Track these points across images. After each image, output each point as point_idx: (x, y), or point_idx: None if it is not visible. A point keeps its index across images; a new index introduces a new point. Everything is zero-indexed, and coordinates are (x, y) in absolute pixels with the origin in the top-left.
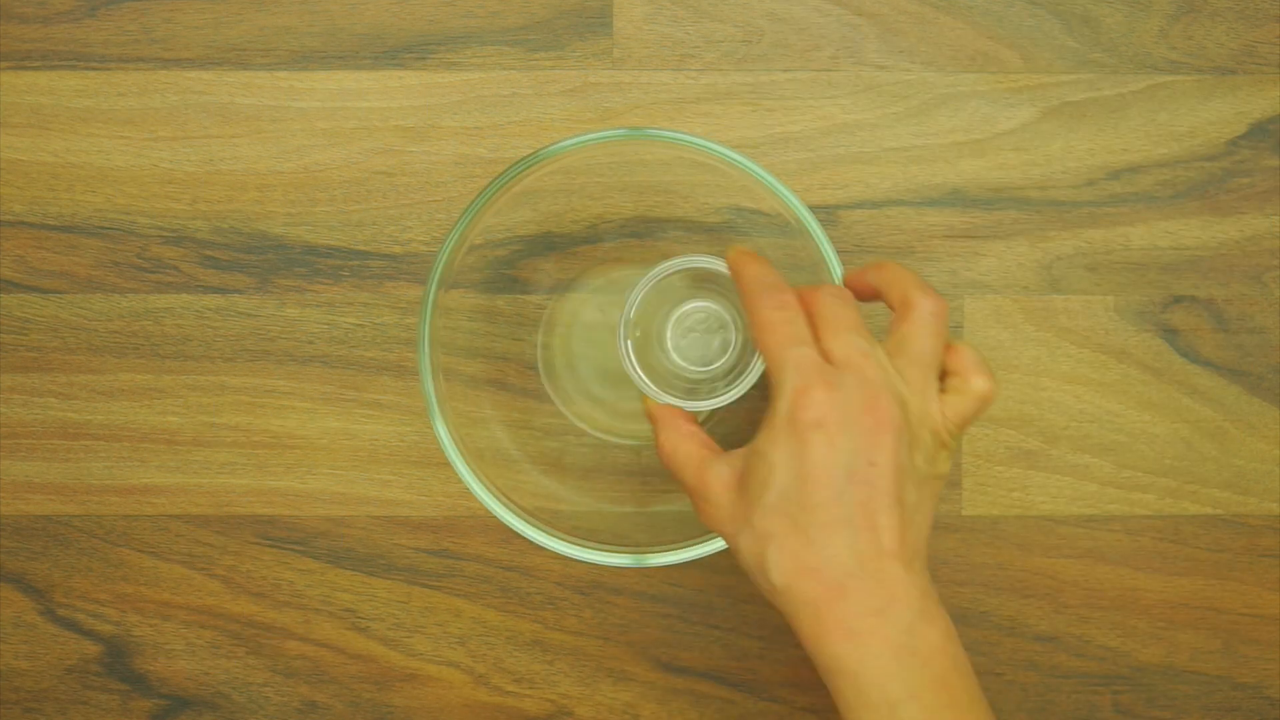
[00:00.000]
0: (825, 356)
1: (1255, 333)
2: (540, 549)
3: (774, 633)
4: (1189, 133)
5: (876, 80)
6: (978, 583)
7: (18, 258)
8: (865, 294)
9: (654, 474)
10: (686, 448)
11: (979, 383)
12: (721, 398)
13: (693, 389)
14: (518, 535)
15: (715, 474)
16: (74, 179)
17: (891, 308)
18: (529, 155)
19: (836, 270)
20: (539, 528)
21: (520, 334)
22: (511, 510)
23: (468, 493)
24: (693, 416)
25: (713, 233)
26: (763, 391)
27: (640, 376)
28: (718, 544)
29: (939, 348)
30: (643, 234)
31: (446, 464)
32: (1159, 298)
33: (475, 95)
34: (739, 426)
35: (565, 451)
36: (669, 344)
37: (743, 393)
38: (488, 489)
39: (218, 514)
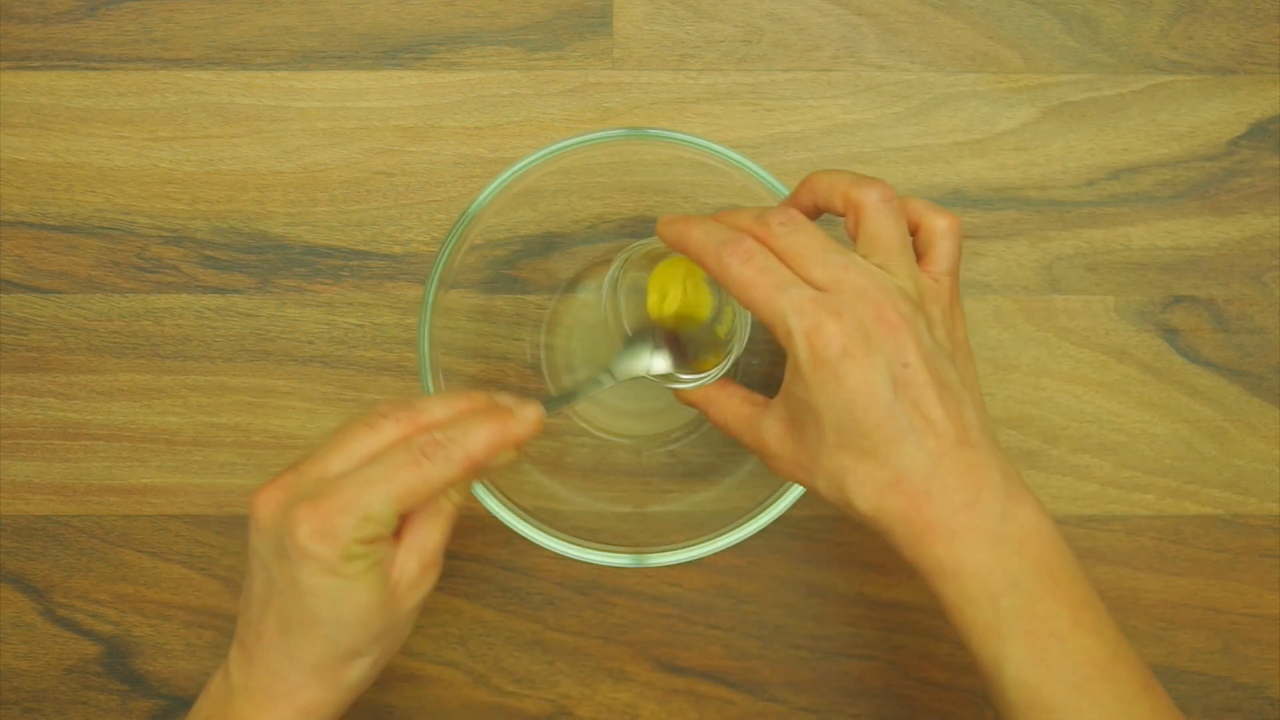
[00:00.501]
0: (810, 283)
1: (1255, 333)
2: (540, 549)
3: (774, 633)
4: (1189, 133)
5: (876, 80)
6: None
7: (18, 258)
8: (809, 214)
9: (654, 474)
10: (736, 409)
11: (939, 222)
12: (726, 361)
13: (695, 357)
14: (518, 535)
15: (767, 429)
16: (74, 179)
17: (839, 213)
18: (529, 155)
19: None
20: (539, 528)
21: (520, 334)
22: (511, 510)
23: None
24: (726, 381)
25: None
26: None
27: (657, 373)
28: (718, 544)
29: (902, 227)
30: (643, 234)
31: None
32: (1159, 298)
33: (475, 95)
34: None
35: (565, 451)
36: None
37: (743, 347)
38: (488, 489)
39: (218, 514)
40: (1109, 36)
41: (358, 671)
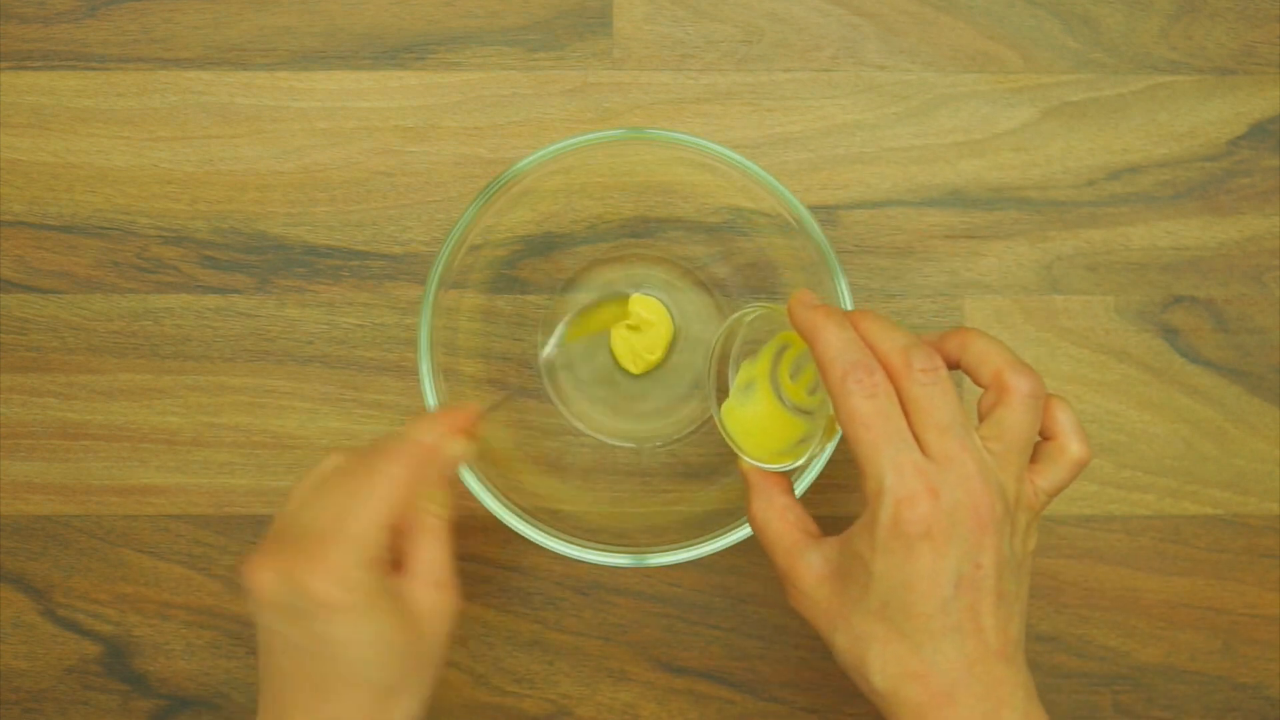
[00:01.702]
0: (921, 447)
1: (1255, 333)
2: (540, 549)
3: (774, 633)
4: (1189, 133)
5: (876, 80)
6: None
7: (18, 258)
8: (949, 364)
9: (654, 474)
10: (778, 526)
11: (1076, 449)
12: (807, 458)
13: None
14: (518, 535)
15: (808, 564)
16: (74, 179)
17: (979, 384)
18: (529, 155)
19: (837, 271)
20: (539, 528)
21: (520, 334)
22: (511, 510)
23: (468, 493)
24: (788, 484)
25: (713, 233)
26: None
27: (732, 439)
28: (718, 544)
29: (1035, 429)
30: (643, 234)
31: None
32: (1159, 298)
33: (475, 95)
34: None
35: (565, 451)
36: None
37: (821, 458)
38: (488, 489)
39: (218, 514)
40: (1109, 36)
41: (402, 714)
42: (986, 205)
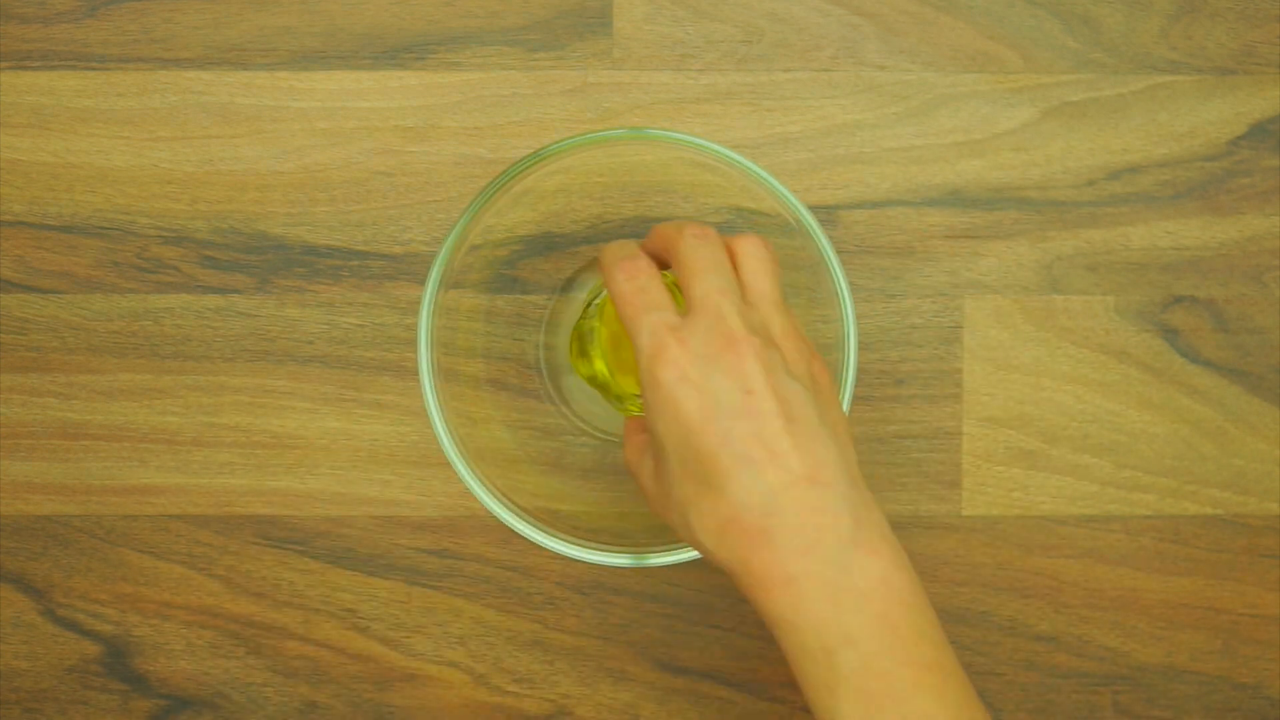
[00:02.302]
0: (688, 304)
1: (1255, 333)
2: (540, 549)
3: None
4: (1189, 133)
5: (876, 80)
6: (978, 583)
7: (18, 258)
8: (662, 266)
9: None
10: (630, 455)
11: (744, 246)
12: None
13: None
14: (518, 535)
15: (644, 467)
16: (74, 179)
17: (671, 263)
18: (529, 155)
19: (837, 271)
20: (539, 528)
21: (520, 334)
22: (511, 510)
23: (468, 493)
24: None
25: None
26: None
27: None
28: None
29: (775, 281)
30: (643, 234)
31: (446, 464)
32: (1159, 298)
33: (475, 95)
34: None
35: (565, 451)
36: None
37: None
38: (488, 489)
39: (218, 514)
40: (1109, 36)
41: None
42: (986, 205)
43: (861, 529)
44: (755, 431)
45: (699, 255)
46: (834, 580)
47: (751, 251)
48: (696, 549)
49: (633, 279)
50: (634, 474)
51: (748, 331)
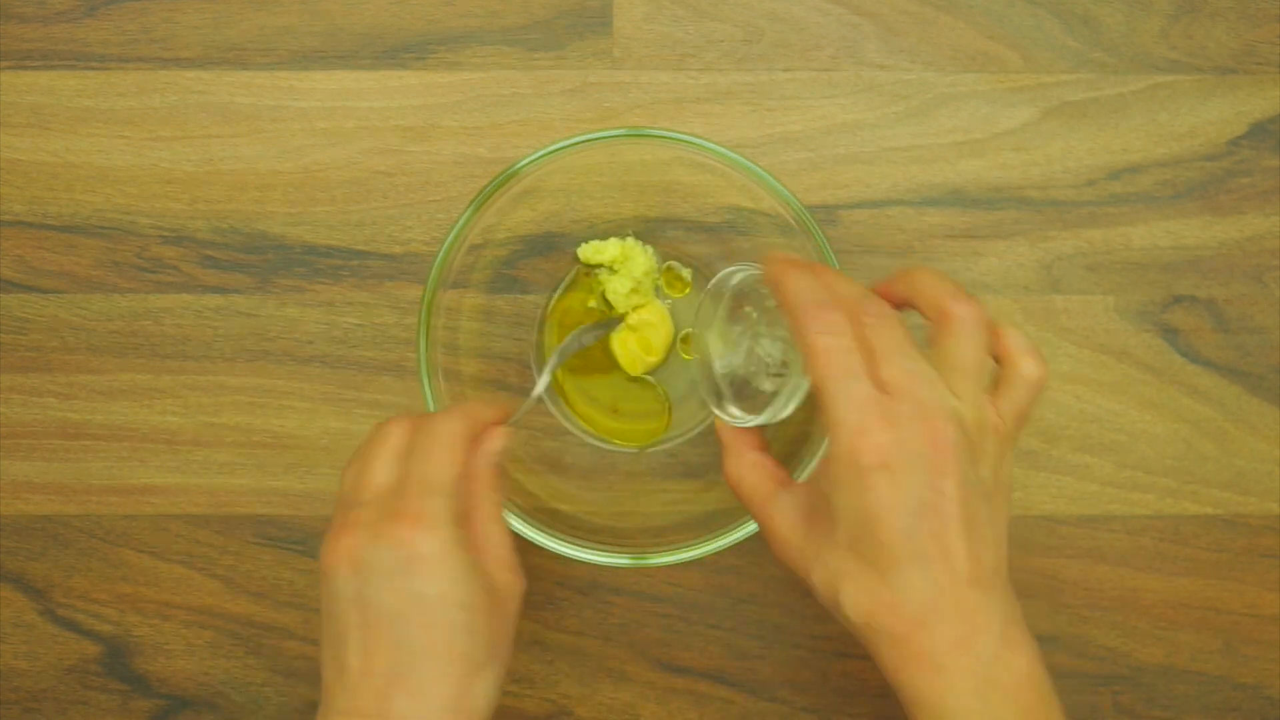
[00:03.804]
0: (876, 382)
1: (1255, 333)
2: (540, 549)
3: (774, 633)
4: (1189, 133)
5: (876, 80)
6: None
7: (18, 258)
8: (898, 304)
9: (654, 474)
10: (752, 479)
11: (1029, 367)
12: (772, 411)
13: (741, 389)
14: (518, 535)
15: (780, 510)
16: (74, 179)
17: (926, 317)
18: (529, 155)
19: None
20: (539, 528)
21: (520, 334)
22: (511, 510)
23: None
24: (761, 440)
25: (713, 233)
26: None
27: (716, 398)
28: (718, 544)
29: (984, 353)
30: (643, 234)
31: None
32: (1159, 298)
33: (475, 95)
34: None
35: (565, 451)
36: (716, 349)
37: (796, 405)
38: None
39: (218, 514)
40: (1109, 36)
41: (483, 694)
42: (986, 205)
43: (1010, 626)
44: (935, 531)
45: (893, 332)
46: (982, 674)
47: (967, 319)
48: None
49: (833, 334)
50: (759, 513)
51: (949, 424)
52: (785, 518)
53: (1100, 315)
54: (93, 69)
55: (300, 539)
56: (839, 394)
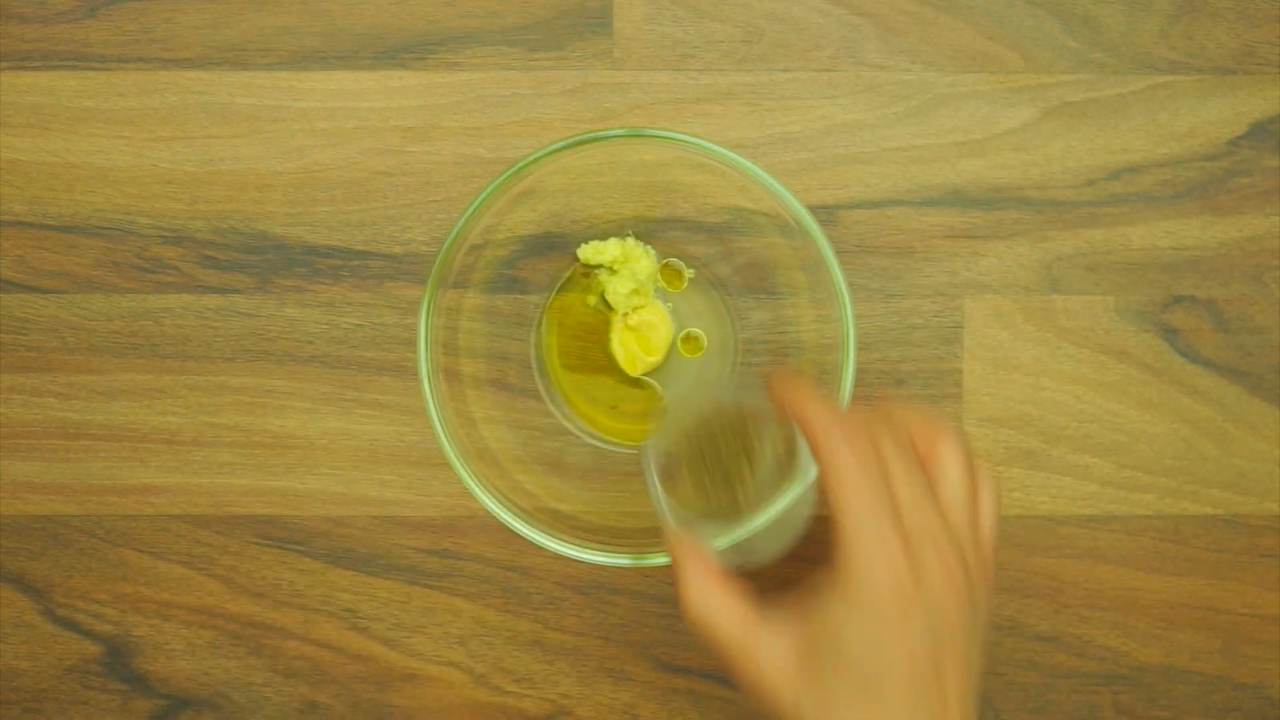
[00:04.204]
0: (896, 518)
1: (1255, 333)
2: (540, 549)
3: None
4: (1189, 133)
5: (876, 80)
6: None
7: (18, 258)
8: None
9: None
10: (722, 607)
11: (989, 507)
12: (754, 519)
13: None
14: (518, 535)
15: (768, 646)
16: (74, 179)
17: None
18: (529, 155)
19: (837, 271)
20: (539, 528)
21: (520, 334)
22: (511, 510)
23: (468, 493)
24: (719, 563)
25: (713, 233)
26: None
27: (661, 502)
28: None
29: (973, 488)
30: (643, 234)
31: (446, 464)
32: (1159, 298)
33: (475, 95)
34: None
35: (565, 451)
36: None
37: (776, 513)
38: (488, 489)
39: (218, 514)
40: (1109, 36)
41: None
42: (986, 205)
43: None
44: (938, 672)
45: (911, 471)
46: None
47: (953, 453)
48: None
49: (866, 466)
50: (732, 650)
51: (961, 566)
52: (776, 657)
53: (1100, 315)
54: (93, 69)
55: (300, 539)
56: (866, 528)
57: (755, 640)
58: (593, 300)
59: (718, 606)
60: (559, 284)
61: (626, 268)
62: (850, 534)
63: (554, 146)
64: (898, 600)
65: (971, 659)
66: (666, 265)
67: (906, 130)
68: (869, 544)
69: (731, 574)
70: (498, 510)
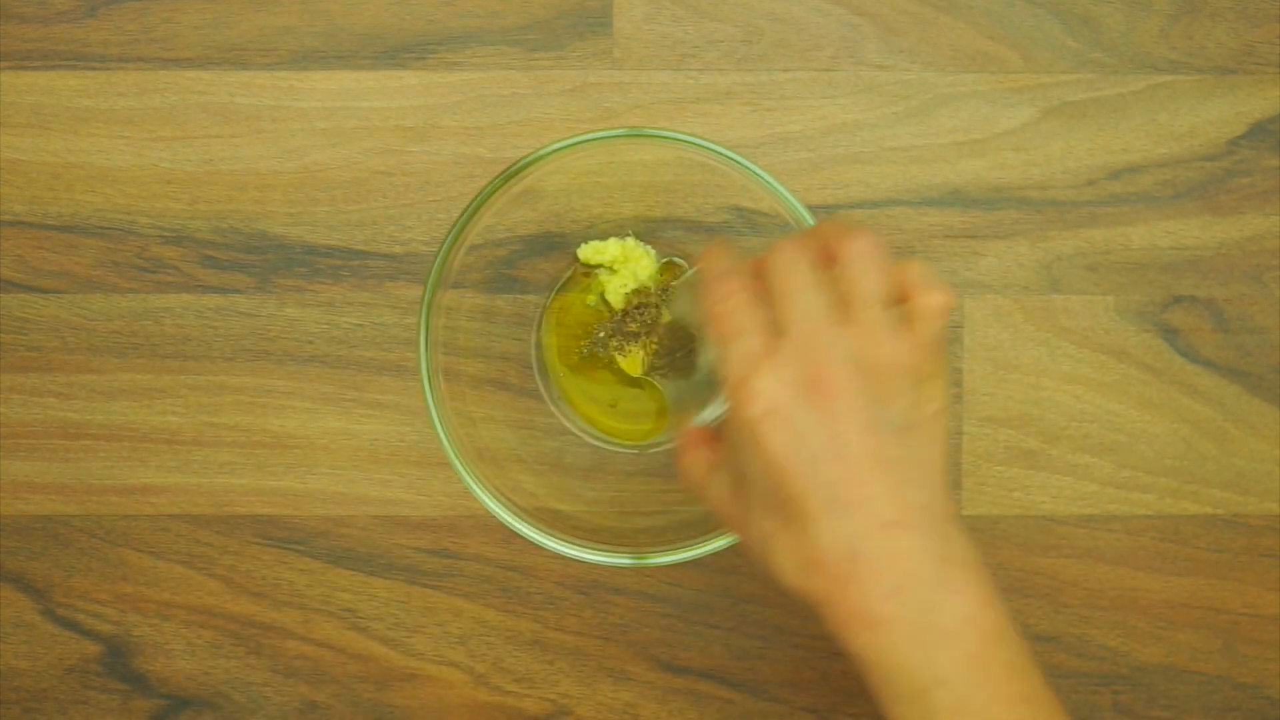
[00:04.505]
0: (779, 329)
1: (1255, 333)
2: (540, 549)
3: (774, 633)
4: (1189, 133)
5: (876, 80)
6: None
7: (18, 258)
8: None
9: (654, 474)
10: (693, 466)
11: (932, 299)
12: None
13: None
14: (518, 535)
15: (715, 484)
16: (74, 179)
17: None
18: (529, 155)
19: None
20: (539, 528)
21: (520, 334)
22: (511, 510)
23: (468, 493)
24: (708, 433)
25: (713, 233)
26: None
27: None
28: (718, 544)
29: (880, 282)
30: (643, 234)
31: (446, 464)
32: (1159, 298)
33: (475, 95)
34: None
35: (565, 451)
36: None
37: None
38: (488, 489)
39: (218, 514)
40: (1109, 36)
41: None
42: (986, 205)
43: (947, 568)
44: (844, 477)
45: (790, 274)
46: (921, 622)
47: (859, 252)
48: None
49: (725, 299)
50: (697, 489)
51: (842, 363)
52: (719, 489)
53: (1100, 315)
54: (93, 69)
55: (301, 539)
56: (726, 354)
57: (709, 479)
58: (592, 300)
59: (691, 460)
60: (559, 284)
61: (626, 268)
62: (720, 366)
63: (554, 146)
64: (765, 412)
65: (898, 463)
66: (668, 263)
67: (906, 130)
68: (728, 366)
69: (710, 438)
70: (498, 510)
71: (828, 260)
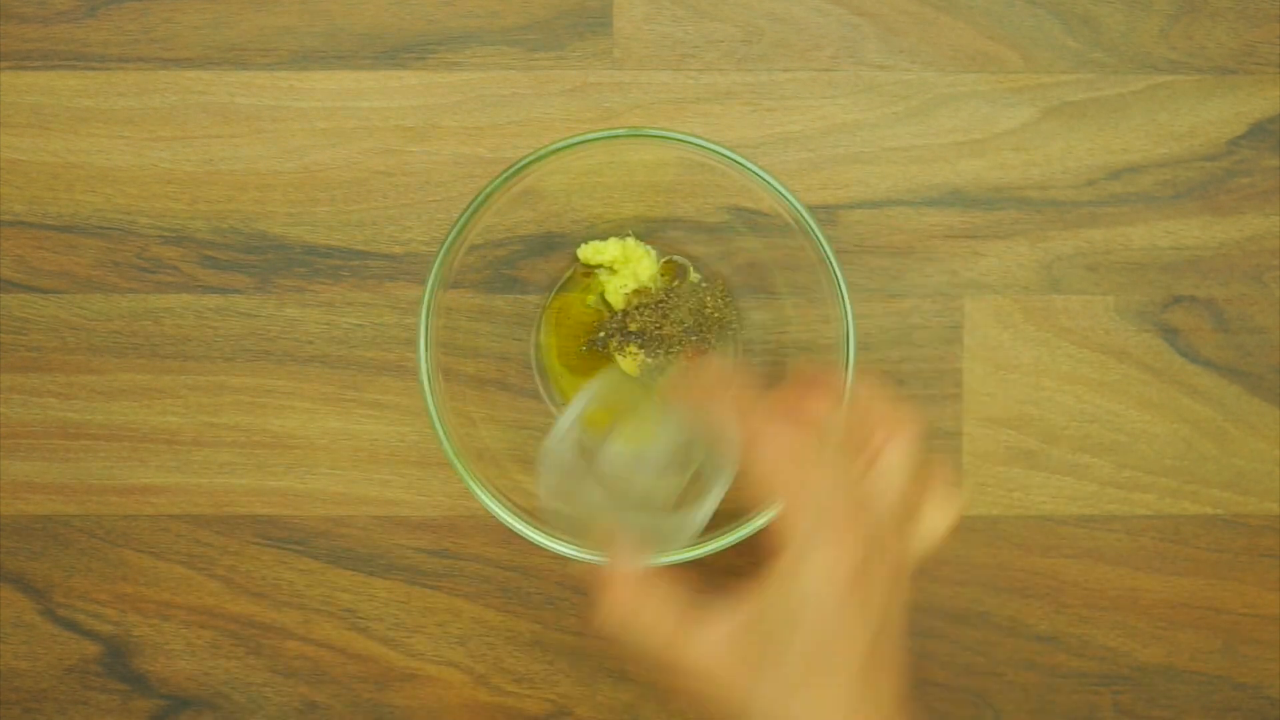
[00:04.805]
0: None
1: (1255, 333)
2: (540, 549)
3: None
4: (1189, 133)
5: (876, 80)
6: (978, 583)
7: (18, 258)
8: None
9: None
10: (652, 611)
11: (944, 517)
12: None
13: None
14: (518, 535)
15: (706, 642)
16: (74, 179)
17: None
18: (529, 155)
19: (837, 271)
20: (539, 528)
21: (520, 334)
22: (511, 510)
23: (468, 493)
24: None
25: (713, 233)
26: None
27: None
28: (718, 544)
29: (903, 491)
30: (643, 234)
31: (446, 464)
32: (1159, 298)
33: (475, 95)
34: None
35: None
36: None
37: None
38: (488, 489)
39: (218, 514)
40: (1109, 36)
41: None
42: (986, 205)
43: None
44: (890, 652)
45: (827, 463)
46: None
47: (897, 463)
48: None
49: (796, 437)
50: (662, 649)
51: (899, 548)
52: (717, 648)
53: (1100, 315)
54: (93, 69)
55: (301, 539)
56: (806, 503)
57: (692, 632)
58: (592, 300)
59: (643, 605)
60: (559, 284)
61: (627, 268)
62: (792, 522)
63: (554, 146)
64: (850, 590)
65: (901, 651)
66: (669, 262)
67: (906, 130)
68: (813, 528)
69: (658, 571)
70: (498, 510)
71: (863, 437)
